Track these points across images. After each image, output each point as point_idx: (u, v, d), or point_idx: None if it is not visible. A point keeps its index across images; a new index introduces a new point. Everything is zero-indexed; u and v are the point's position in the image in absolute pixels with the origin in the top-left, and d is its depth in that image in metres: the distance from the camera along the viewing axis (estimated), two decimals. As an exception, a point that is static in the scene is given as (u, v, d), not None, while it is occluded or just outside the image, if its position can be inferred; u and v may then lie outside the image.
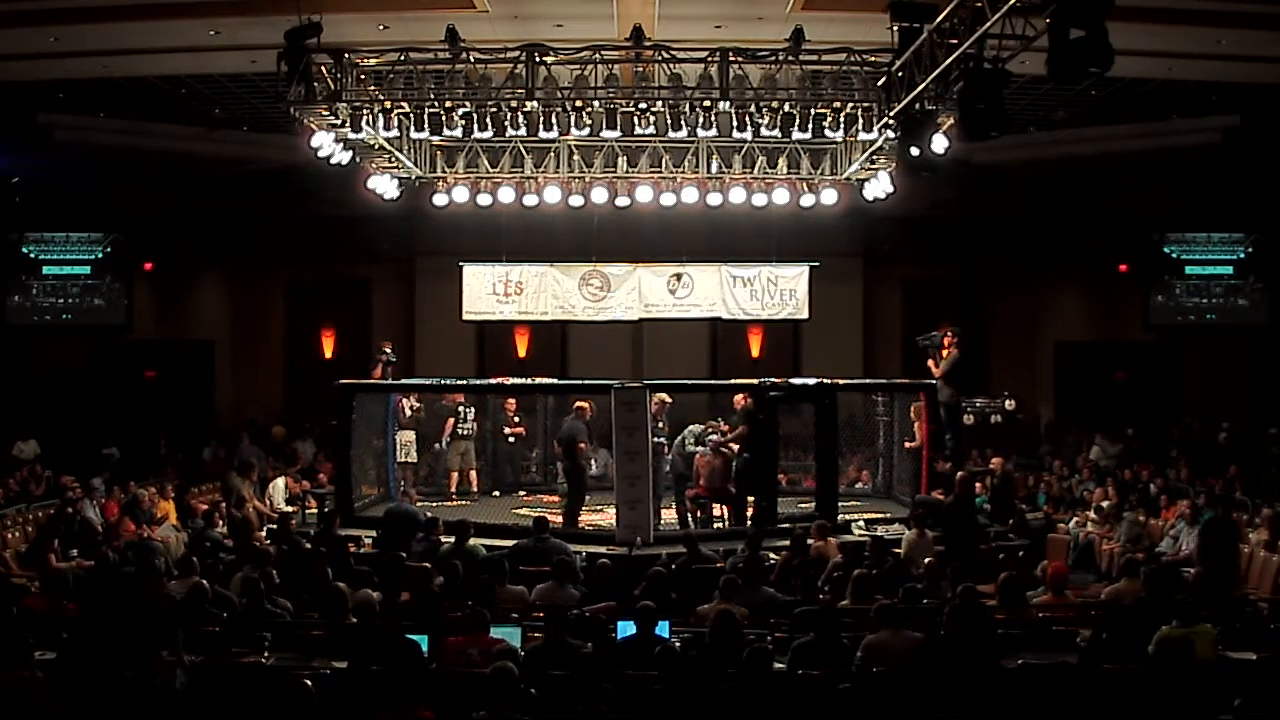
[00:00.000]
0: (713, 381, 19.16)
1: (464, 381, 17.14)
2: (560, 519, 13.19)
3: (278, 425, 20.98)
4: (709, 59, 12.96)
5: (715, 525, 13.52)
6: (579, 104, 13.02)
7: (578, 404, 13.97)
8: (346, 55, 12.83)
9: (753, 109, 13.18)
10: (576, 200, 16.61)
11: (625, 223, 18.08)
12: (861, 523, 13.50)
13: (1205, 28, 13.47)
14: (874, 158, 14.92)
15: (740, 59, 13.00)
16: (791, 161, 16.63)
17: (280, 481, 15.41)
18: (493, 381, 16.64)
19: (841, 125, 13.31)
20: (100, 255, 22.76)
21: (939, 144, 11.73)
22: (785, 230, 18.33)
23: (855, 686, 6.85)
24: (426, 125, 13.26)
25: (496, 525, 12.87)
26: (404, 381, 16.72)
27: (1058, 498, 16.73)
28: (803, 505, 13.97)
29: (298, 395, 22.50)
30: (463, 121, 13.18)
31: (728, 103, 12.99)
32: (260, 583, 8.78)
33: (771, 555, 10.93)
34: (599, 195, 16.43)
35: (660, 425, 14.09)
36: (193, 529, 13.40)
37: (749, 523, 12.82)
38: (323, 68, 12.73)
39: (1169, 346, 23.00)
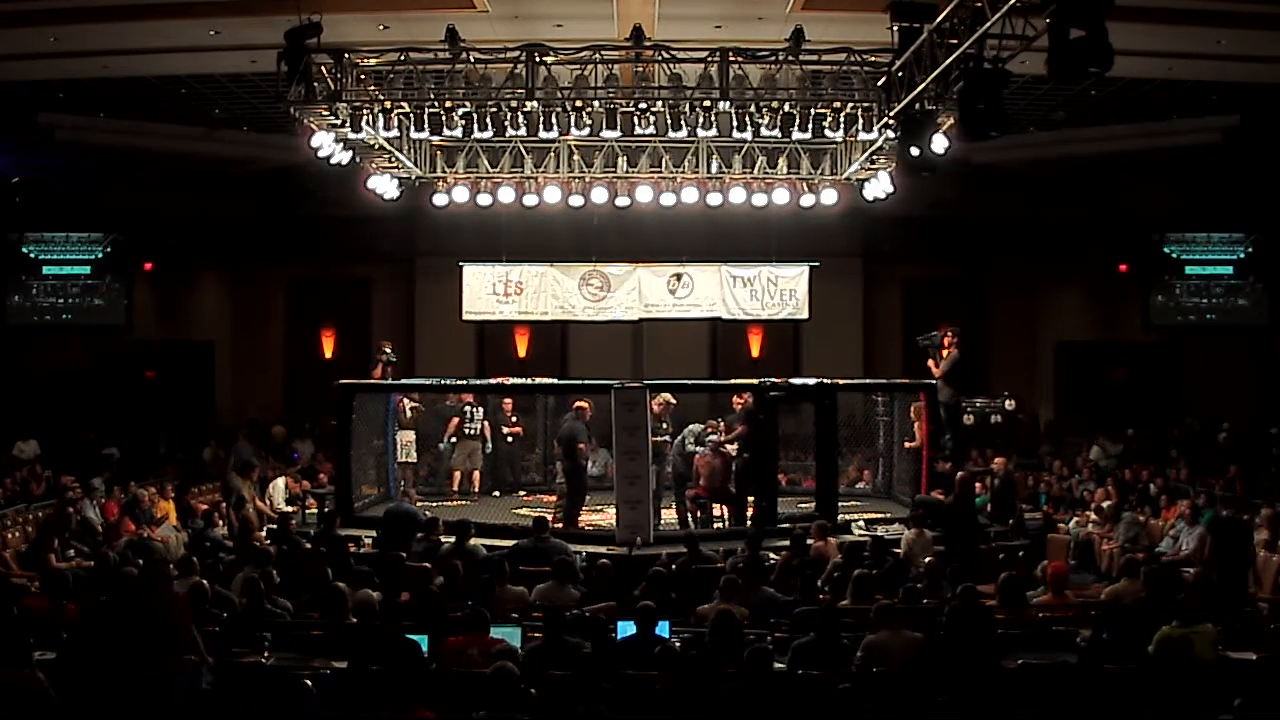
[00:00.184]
0: (713, 381, 19.16)
1: (464, 381, 17.13)
2: (554, 517, 13.16)
3: (278, 425, 20.99)
4: (709, 59, 12.96)
5: (715, 525, 13.52)
6: (579, 104, 13.02)
7: (577, 404, 13.97)
8: (346, 55, 12.83)
9: (753, 109, 13.18)
10: (576, 200, 16.60)
11: (625, 223, 18.08)
12: (861, 523, 13.50)
13: (1205, 28, 13.47)
14: (874, 158, 14.92)
15: (740, 59, 13.00)
16: (791, 161, 16.63)
17: (280, 481, 15.40)
18: (493, 381, 16.63)
19: (841, 125, 13.31)
20: (100, 255, 22.77)
21: (939, 144, 11.72)
22: (785, 230, 18.33)
23: (855, 686, 6.85)
24: (426, 125, 13.26)
25: (496, 525, 12.86)
26: (404, 381, 16.70)
27: (1058, 498, 16.72)
28: (803, 505, 13.97)
29: (298, 395, 22.51)
30: (463, 121, 13.18)
31: (728, 103, 12.99)
32: (260, 583, 8.78)
33: (771, 555, 10.93)
34: (599, 195, 16.43)
35: (664, 426, 14.10)
36: (193, 529, 13.40)
37: (749, 523, 12.82)
38: (323, 68, 12.73)
39: (1169, 346, 23.00)
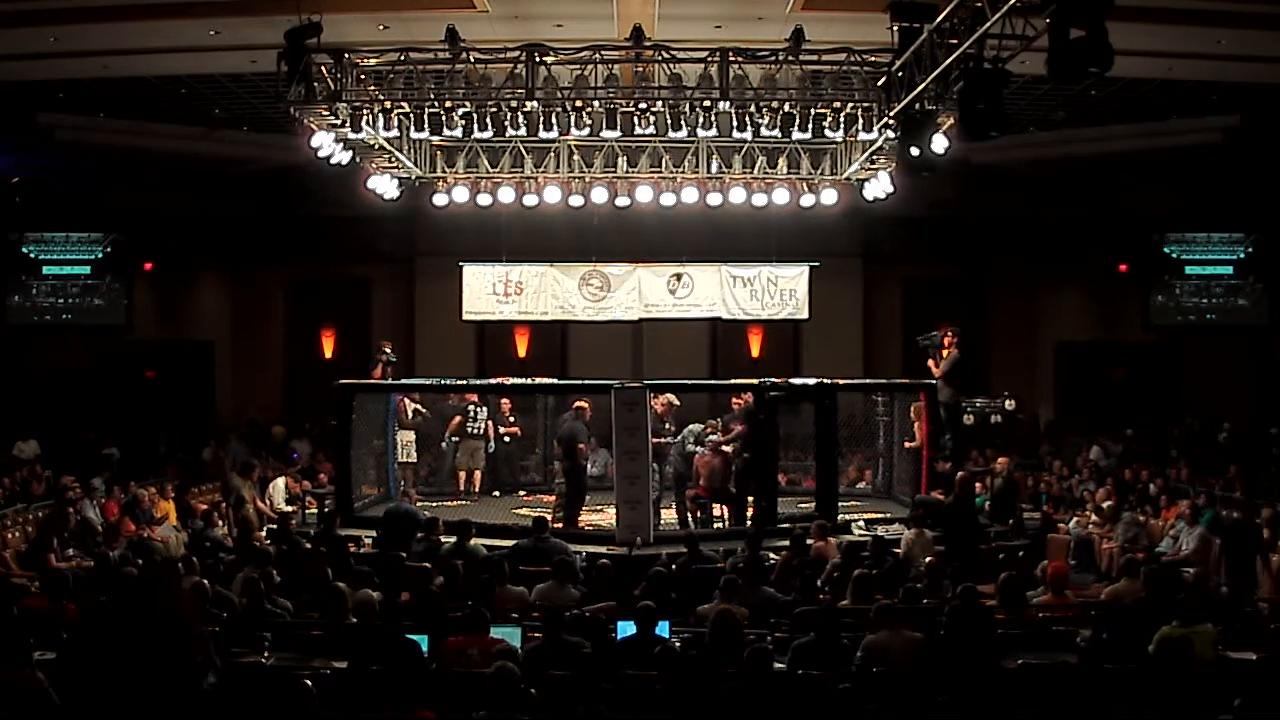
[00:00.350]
0: (713, 381, 19.15)
1: (463, 381, 17.13)
2: (554, 517, 13.16)
3: (278, 425, 20.99)
4: (709, 59, 12.96)
5: (715, 525, 13.52)
6: (579, 104, 13.02)
7: (577, 404, 13.97)
8: (346, 55, 12.83)
9: (753, 109, 13.18)
10: (576, 200, 16.60)
11: (625, 223, 18.08)
12: (861, 523, 13.50)
13: (1205, 28, 13.47)
14: (874, 158, 14.92)
15: (740, 59, 13.00)
16: (791, 161, 16.63)
17: (280, 481, 15.40)
18: (492, 381, 16.63)
19: (841, 125, 13.31)
20: (100, 255, 22.78)
21: (939, 144, 11.73)
22: (785, 230, 18.33)
23: (855, 686, 6.85)
24: (426, 125, 13.26)
25: (496, 525, 12.86)
26: (404, 381, 16.70)
27: (1058, 498, 16.72)
28: (803, 505, 13.97)
29: (298, 395, 22.50)
30: (463, 121, 13.18)
31: (728, 103, 12.99)
32: (260, 583, 8.78)
33: (771, 555, 10.92)
34: (599, 195, 16.43)
35: (667, 426, 14.09)
36: (193, 529, 13.40)
37: (749, 523, 12.82)
38: (323, 68, 12.73)
39: (1169, 346, 23.00)
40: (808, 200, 16.59)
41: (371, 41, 13.42)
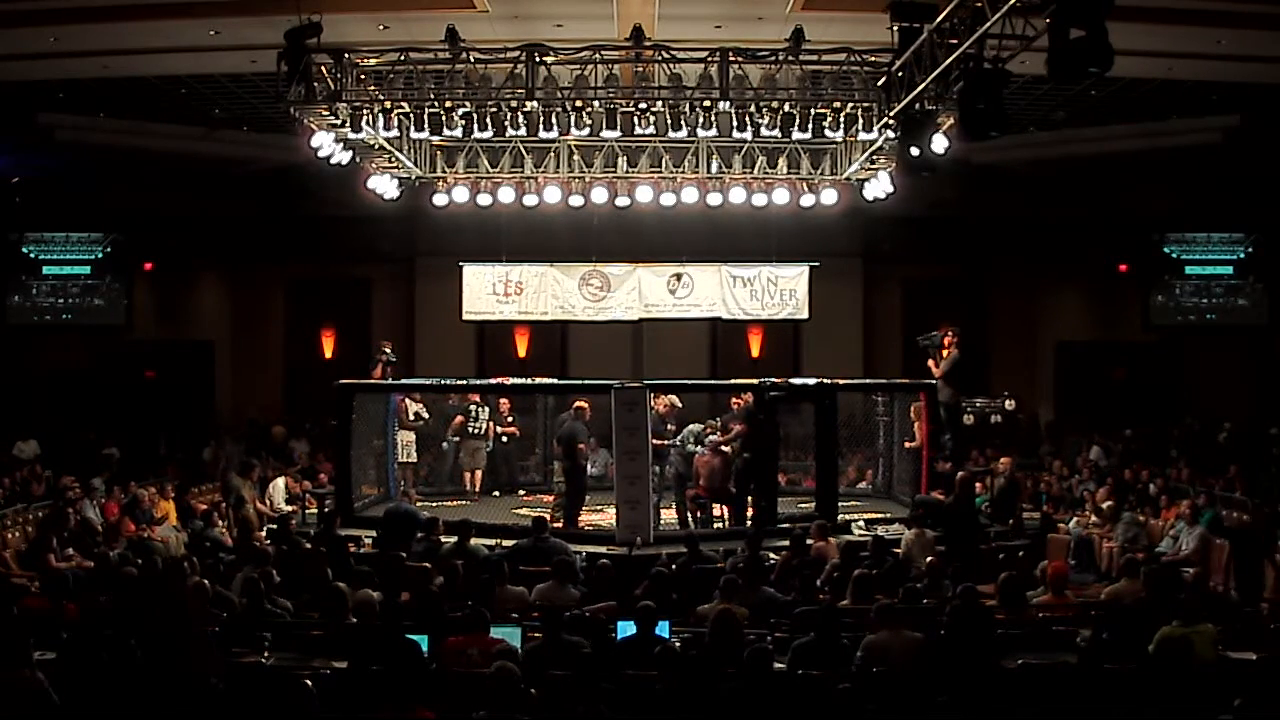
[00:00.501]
0: (713, 381, 19.15)
1: (463, 381, 17.14)
2: (552, 516, 13.15)
3: (278, 425, 20.99)
4: (709, 59, 12.95)
5: (715, 525, 13.51)
6: (579, 104, 13.02)
7: (577, 404, 13.97)
8: (346, 55, 12.83)
9: (753, 109, 13.18)
10: (576, 200, 16.60)
11: (625, 223, 18.08)
12: (861, 523, 13.50)
13: (1205, 28, 13.47)
14: (874, 158, 14.92)
15: (740, 59, 13.00)
16: (791, 161, 16.63)
17: (280, 481, 15.40)
18: (493, 381, 16.63)
19: (841, 125, 13.31)
20: (100, 255, 22.77)
21: (939, 144, 11.72)
22: (785, 230, 18.33)
23: (855, 686, 6.85)
24: (426, 125, 13.26)
25: (496, 525, 12.86)
26: (404, 381, 16.70)
27: (1058, 498, 16.72)
28: (803, 505, 13.97)
29: (298, 395, 22.50)
30: (463, 121, 13.18)
31: (728, 103, 12.99)
32: (260, 583, 8.78)
33: (771, 555, 10.92)
34: (599, 195, 16.43)
35: (669, 427, 14.09)
36: (193, 529, 13.40)
37: (749, 523, 12.82)
38: (323, 68, 12.73)
39: (1169, 346, 23.00)
40: (808, 200, 16.59)
41: (371, 41, 13.42)
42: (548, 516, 12.56)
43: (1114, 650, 7.41)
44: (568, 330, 21.47)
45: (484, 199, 16.64)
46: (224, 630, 7.97)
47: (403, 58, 12.97)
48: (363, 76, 13.16)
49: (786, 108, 13.12)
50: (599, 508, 13.97)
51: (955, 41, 10.11)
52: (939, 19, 10.51)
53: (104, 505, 13.77)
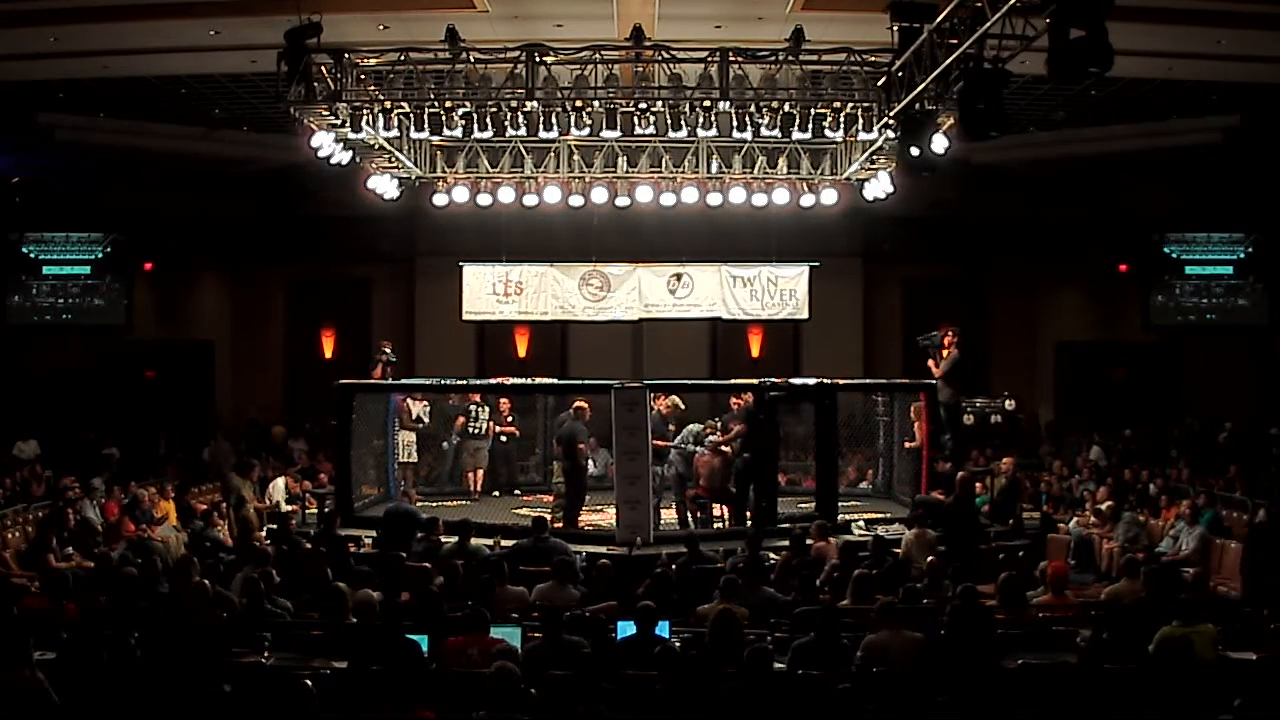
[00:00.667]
0: (713, 381, 19.15)
1: (463, 381, 17.13)
2: (552, 516, 13.15)
3: (278, 425, 20.99)
4: (709, 59, 12.95)
5: (715, 525, 13.51)
6: (579, 104, 13.02)
7: (576, 404, 13.97)
8: (346, 55, 12.83)
9: (753, 109, 13.18)
10: (576, 200, 16.61)
11: (625, 223, 18.09)
12: (861, 523, 13.50)
13: (1205, 28, 13.47)
14: (874, 158, 14.92)
15: (740, 59, 13.00)
16: (791, 161, 16.63)
17: (280, 481, 15.40)
18: (493, 381, 16.63)
19: (841, 125, 13.31)
20: (100, 255, 22.77)
21: (939, 144, 11.72)
22: (785, 230, 18.34)
23: (855, 686, 6.85)
24: (426, 125, 13.26)
25: (496, 525, 12.86)
26: (404, 381, 16.70)
27: (1058, 498, 16.72)
28: (803, 505, 13.97)
29: (298, 395, 22.51)
30: (463, 121, 13.18)
31: (728, 103, 12.99)
32: (260, 583, 8.78)
33: (771, 555, 10.92)
34: (599, 195, 16.43)
35: (670, 428, 14.09)
36: (193, 529, 13.40)
37: (749, 523, 12.82)
38: (323, 68, 12.73)
39: (1169, 346, 23.00)
40: (808, 200, 16.59)
41: (371, 41, 13.42)
42: (548, 516, 12.55)
43: (1114, 650, 7.40)
44: (568, 330, 21.47)
45: (484, 199, 16.64)
46: (224, 630, 7.96)
47: (403, 58, 12.97)
48: (363, 76, 13.16)
49: (786, 108, 13.12)
50: (599, 508, 13.97)
51: (955, 41, 10.11)
52: (939, 19, 10.52)
53: (104, 505, 13.77)
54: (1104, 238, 22.12)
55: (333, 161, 14.01)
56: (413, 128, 13.52)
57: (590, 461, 14.37)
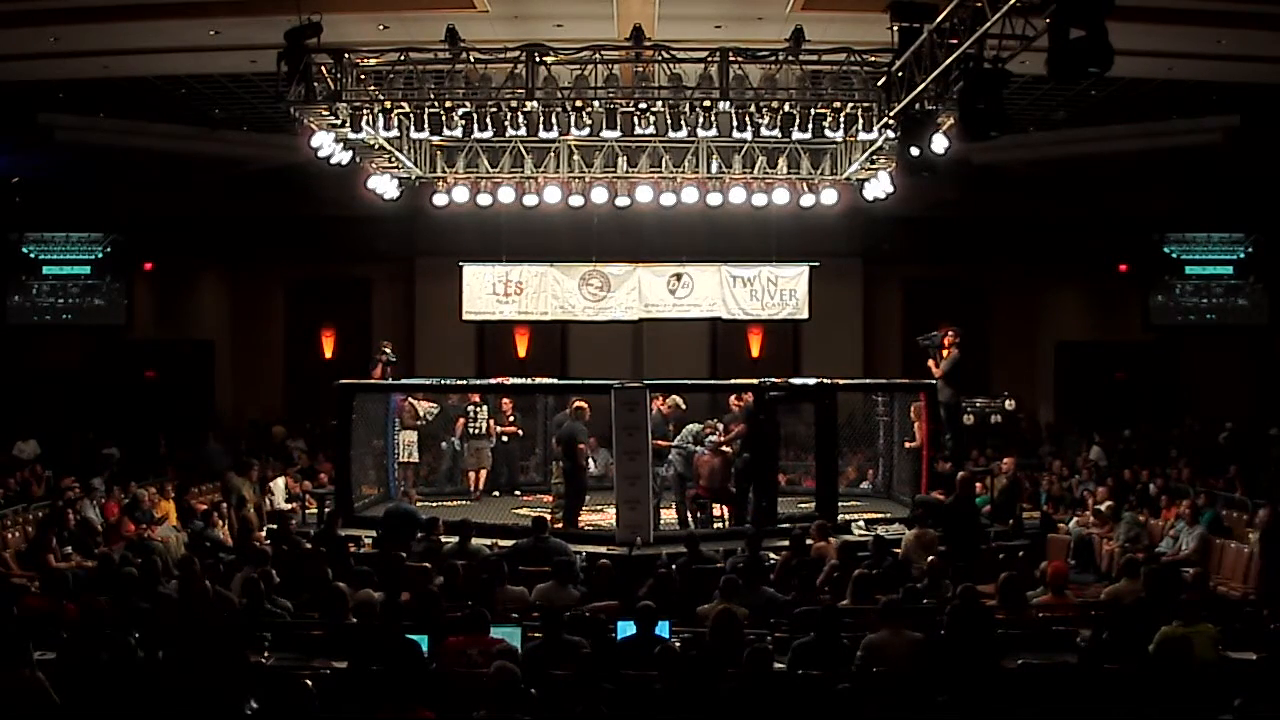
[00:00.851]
0: (713, 381, 19.15)
1: (463, 381, 17.13)
2: (552, 516, 13.14)
3: (278, 425, 20.98)
4: (709, 59, 12.95)
5: (715, 525, 13.51)
6: (579, 104, 13.01)
7: (576, 404, 13.97)
8: (346, 55, 12.83)
9: (753, 109, 13.18)
10: (576, 200, 16.60)
11: (625, 223, 18.08)
12: (861, 523, 13.49)
13: (1205, 28, 13.48)
14: (874, 158, 14.92)
15: (740, 59, 13.00)
16: (791, 161, 16.63)
17: (280, 481, 15.40)
18: (493, 381, 16.63)
19: (841, 125, 13.30)
20: (100, 255, 22.78)
21: (939, 144, 11.72)
22: (785, 230, 18.34)
23: (855, 686, 6.85)
24: (426, 125, 13.25)
25: (496, 525, 12.86)
26: (403, 381, 16.70)
27: (1058, 498, 16.72)
28: (803, 505, 13.96)
29: (298, 395, 22.51)
30: (463, 121, 13.17)
31: (728, 103, 12.98)
32: (260, 583, 8.78)
33: (771, 555, 10.92)
34: (599, 195, 16.42)
35: (670, 428, 14.08)
36: (193, 529, 13.40)
37: (749, 523, 12.82)
38: (323, 68, 12.73)
39: (1169, 346, 23.02)
40: (808, 200, 16.58)
41: (371, 41, 13.42)
42: (548, 516, 12.55)
43: (1114, 650, 7.41)
44: (568, 330, 21.47)
45: (484, 199, 16.63)
46: (224, 630, 7.96)
47: (403, 58, 12.96)
48: (363, 76, 13.16)
49: (786, 108, 13.11)
50: (599, 508, 13.96)
51: (955, 41, 10.11)
52: (939, 19, 10.51)
53: (104, 505, 13.77)
54: (1104, 238, 22.11)
55: (333, 161, 14.01)
56: (413, 128, 13.51)
57: (590, 461, 14.36)
